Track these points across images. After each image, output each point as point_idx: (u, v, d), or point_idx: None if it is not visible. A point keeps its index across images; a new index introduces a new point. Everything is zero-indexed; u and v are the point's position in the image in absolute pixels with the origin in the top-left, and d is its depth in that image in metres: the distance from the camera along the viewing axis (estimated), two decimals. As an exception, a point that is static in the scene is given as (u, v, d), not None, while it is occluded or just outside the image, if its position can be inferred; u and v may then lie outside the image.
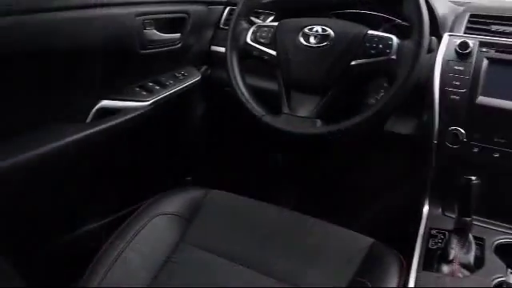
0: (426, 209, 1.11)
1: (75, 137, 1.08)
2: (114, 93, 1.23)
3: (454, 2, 1.29)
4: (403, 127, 1.17)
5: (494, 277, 0.89)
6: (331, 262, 0.95)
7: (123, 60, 1.21)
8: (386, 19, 1.27)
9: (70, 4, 0.98)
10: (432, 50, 1.00)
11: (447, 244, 0.95)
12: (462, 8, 1.20)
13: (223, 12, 1.48)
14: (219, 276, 0.92)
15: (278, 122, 1.01)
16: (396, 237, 1.02)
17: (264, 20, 1.38)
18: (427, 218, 1.08)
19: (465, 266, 0.92)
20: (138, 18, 1.18)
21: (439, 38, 1.08)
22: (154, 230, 1.02)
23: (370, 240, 0.99)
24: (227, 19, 1.44)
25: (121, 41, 1.16)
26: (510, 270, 0.92)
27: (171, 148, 1.54)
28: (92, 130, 1.12)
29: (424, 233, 1.03)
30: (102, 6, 1.06)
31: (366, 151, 1.46)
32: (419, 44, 0.92)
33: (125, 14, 1.15)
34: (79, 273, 0.90)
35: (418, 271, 0.92)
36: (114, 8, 1.12)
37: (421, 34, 0.92)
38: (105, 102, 1.21)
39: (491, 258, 0.94)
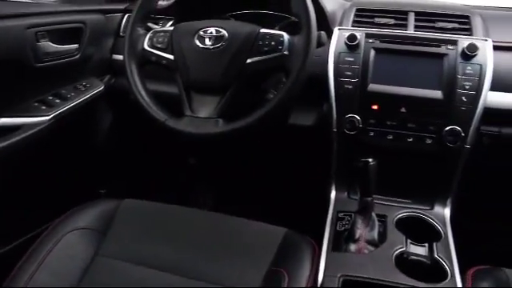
0: (333, 194, 1.17)
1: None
2: (11, 110, 1.18)
3: (342, -2, 1.37)
4: (306, 119, 1.22)
5: (395, 248, 0.97)
6: (247, 256, 0.96)
7: (17, 75, 1.16)
8: (282, 17, 1.32)
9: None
10: (322, 44, 1.05)
11: (353, 224, 1.01)
12: (349, 3, 1.27)
13: (122, 20, 1.46)
14: (138, 284, 0.92)
15: (181, 125, 1.02)
16: (309, 223, 1.07)
17: (163, 25, 1.39)
18: (334, 203, 1.14)
19: (370, 242, 0.99)
20: (29, 30, 1.13)
21: (330, 33, 1.15)
22: (66, 247, 0.98)
23: (284, 230, 1.02)
24: (126, 27, 1.42)
25: (12, 55, 1.11)
26: (409, 240, 1.00)
27: (81, 162, 1.49)
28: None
29: (332, 217, 1.09)
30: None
31: (274, 145, 1.50)
32: (308, 39, 0.97)
33: (14, 27, 1.10)
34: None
35: (327, 253, 0.97)
36: (2, 21, 1.07)
37: (309, 30, 0.97)
38: (2, 120, 1.15)
39: (393, 232, 1.02)
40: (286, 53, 0.98)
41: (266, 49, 1.00)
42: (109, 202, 1.11)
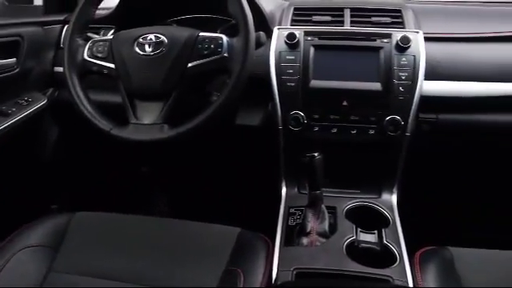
0: (283, 190, 1.20)
1: None
2: None
3: (282, -2, 1.40)
4: (253, 119, 1.24)
5: (346, 238, 0.99)
6: (203, 259, 0.97)
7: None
8: (223, 20, 1.34)
9: None
10: (262, 44, 1.07)
11: (304, 218, 1.03)
12: (287, 3, 1.30)
13: (61, 31, 1.43)
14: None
15: (126, 133, 1.01)
16: (263, 221, 1.09)
17: (105, 34, 1.37)
18: (285, 199, 1.17)
19: (321, 234, 1.01)
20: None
21: (269, 32, 1.17)
22: (17, 266, 0.96)
23: (237, 230, 1.04)
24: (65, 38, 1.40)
25: None
26: (359, 229, 1.04)
27: (29, 178, 1.46)
28: None
29: (284, 213, 1.11)
30: None
31: (224, 146, 1.51)
32: (247, 40, 0.98)
33: None
34: None
35: (280, 248, 0.99)
36: None
37: (247, 31, 0.98)
38: None
39: (343, 223, 1.05)
40: (225, 55, 1.00)
41: (205, 52, 1.00)
42: (60, 216, 1.09)
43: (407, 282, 0.90)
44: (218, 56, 1.00)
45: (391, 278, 0.90)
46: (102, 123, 1.04)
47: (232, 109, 1.15)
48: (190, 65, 1.01)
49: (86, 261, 0.97)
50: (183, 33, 1.04)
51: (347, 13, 1.22)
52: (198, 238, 1.04)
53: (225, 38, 1.01)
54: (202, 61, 1.01)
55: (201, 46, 1.01)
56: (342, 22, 1.20)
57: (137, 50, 1.03)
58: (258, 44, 1.05)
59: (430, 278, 0.91)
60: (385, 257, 0.97)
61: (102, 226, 1.07)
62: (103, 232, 1.06)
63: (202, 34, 1.03)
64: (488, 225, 1.48)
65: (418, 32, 1.13)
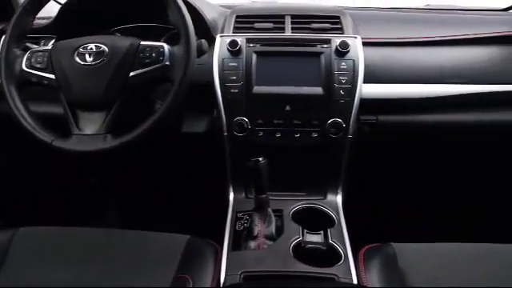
0: (231, 196, 1.21)
1: None
2: None
3: (224, 6, 1.41)
4: (198, 126, 1.24)
5: (292, 239, 1.01)
6: (152, 267, 0.97)
7: None
8: (166, 29, 1.34)
9: None
10: (204, 52, 1.08)
11: (251, 223, 1.05)
12: (229, 11, 1.31)
13: (-2, 42, 1.38)
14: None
15: (68, 144, 0.99)
16: (212, 226, 1.10)
17: (45, 44, 1.34)
18: (233, 204, 1.18)
19: (268, 237, 1.03)
20: None
21: (212, 40, 1.18)
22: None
23: (186, 237, 1.04)
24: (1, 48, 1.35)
25: None
26: (305, 230, 1.06)
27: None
28: None
29: (231, 218, 1.12)
30: None
31: (172, 154, 1.51)
32: (188, 48, 0.99)
33: None
34: None
35: (228, 253, 1.00)
36: None
37: (187, 39, 0.99)
38: None
39: (289, 225, 1.07)
40: (167, 63, 1.00)
41: (147, 61, 1.00)
42: (2, 232, 1.05)
43: (352, 279, 0.93)
44: (159, 64, 1.00)
45: (336, 276, 0.92)
46: (44, 135, 1.01)
47: (175, 116, 1.15)
48: (131, 74, 1.00)
49: (31, 277, 0.95)
50: (124, 42, 1.04)
51: (288, 20, 1.24)
52: (146, 247, 1.03)
53: (166, 47, 1.01)
54: (143, 70, 1.00)
55: (142, 54, 1.01)
56: (283, 29, 1.22)
57: (77, 59, 1.02)
58: (200, 52, 1.06)
59: (374, 274, 0.94)
60: (330, 256, 1.00)
61: (47, 241, 1.05)
62: (48, 247, 1.03)
63: (143, 42, 1.03)
64: (429, 220, 1.55)
65: (356, 37, 1.17)
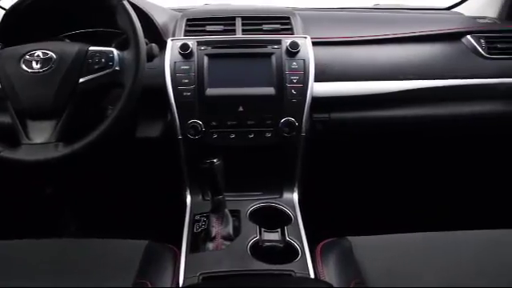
0: (188, 198, 1.21)
1: None
2: None
3: (176, 10, 1.41)
4: (153, 131, 1.23)
5: (249, 239, 1.02)
6: (111, 275, 0.95)
7: None
8: (117, 34, 1.32)
9: None
10: (154, 56, 1.07)
11: (209, 224, 1.05)
12: (180, 14, 1.32)
13: None
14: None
15: (18, 154, 0.97)
16: (171, 230, 1.09)
17: (-9, 52, 1.30)
18: (190, 206, 1.18)
19: (226, 237, 1.03)
20: None
21: (163, 44, 1.18)
22: None
23: (145, 242, 1.03)
24: None
25: None
26: (263, 229, 1.07)
27: None
28: None
29: (189, 220, 1.12)
30: None
31: (128, 159, 1.49)
32: (138, 52, 0.98)
33: None
34: None
35: (186, 256, 1.00)
36: None
37: (137, 44, 0.98)
38: None
39: (246, 224, 1.08)
40: (117, 68, 0.99)
41: (96, 66, 0.99)
42: None
43: (309, 274, 0.94)
44: (109, 70, 0.99)
45: (293, 271, 0.94)
46: None
47: (128, 121, 1.14)
48: (81, 80, 0.99)
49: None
50: (73, 48, 1.02)
51: (239, 22, 1.26)
52: (105, 255, 1.01)
53: (115, 52, 1.00)
54: (93, 75, 0.99)
55: (91, 60, 1.00)
56: (234, 31, 1.23)
57: (23, 67, 0.99)
58: (151, 56, 1.06)
59: (331, 267, 0.96)
60: (288, 253, 1.01)
61: (3, 255, 1.02)
62: (4, 260, 1.00)
63: (91, 48, 1.01)
64: (383, 212, 1.59)
65: (305, 37, 1.20)
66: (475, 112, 1.34)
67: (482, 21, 1.44)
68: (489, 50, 1.33)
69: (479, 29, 1.37)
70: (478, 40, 1.34)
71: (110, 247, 1.04)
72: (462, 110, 1.34)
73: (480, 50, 1.32)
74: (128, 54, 1.00)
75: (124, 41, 1.20)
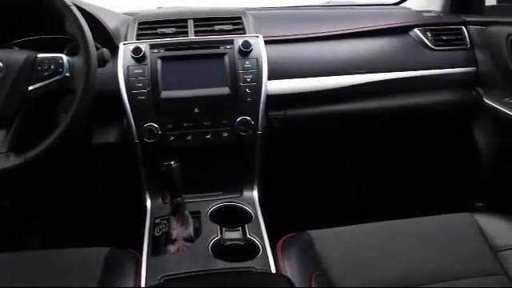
0: (148, 202, 1.20)
1: None
2: None
3: (127, 14, 1.40)
4: (109, 136, 1.22)
5: (210, 239, 1.03)
6: (73, 284, 0.94)
7: None
8: (68, 40, 1.30)
9: None
10: (106, 61, 1.06)
11: (169, 227, 1.05)
12: (131, 18, 1.31)
13: None
14: None
15: None
16: (133, 235, 1.09)
17: None
18: (151, 210, 1.17)
19: (187, 239, 1.04)
20: None
21: (115, 48, 1.17)
22: None
23: (106, 249, 1.02)
24: None
25: None
26: (224, 228, 1.07)
27: None
28: None
29: (150, 224, 1.12)
30: None
31: (85, 167, 1.47)
32: (88, 58, 0.97)
33: None
34: None
35: (148, 260, 0.99)
36: None
37: (86, 49, 0.97)
38: None
39: (207, 225, 1.08)
40: (67, 74, 0.98)
41: (46, 73, 0.98)
42: None
43: (270, 269, 0.95)
44: (59, 76, 0.98)
45: (254, 268, 0.95)
46: None
47: (82, 128, 1.13)
48: (30, 88, 0.97)
49: None
50: (20, 55, 1.00)
51: (191, 23, 1.26)
52: (66, 264, 1.00)
53: (65, 58, 0.99)
54: (43, 83, 0.98)
55: (40, 67, 0.98)
56: (186, 33, 1.23)
57: None
58: (102, 61, 1.05)
59: (292, 262, 0.97)
60: (250, 250, 1.02)
61: None
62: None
63: (40, 55, 1.00)
64: (342, 205, 1.62)
65: (258, 36, 1.21)
66: (425, 102, 1.39)
67: (427, 14, 1.49)
68: (435, 42, 1.38)
69: (425, 22, 1.42)
70: (424, 33, 1.39)
71: (71, 257, 1.02)
72: (413, 100, 1.38)
73: (427, 42, 1.38)
74: (78, 60, 0.99)
75: (74, 47, 1.19)
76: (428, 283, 0.90)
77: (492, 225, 1.05)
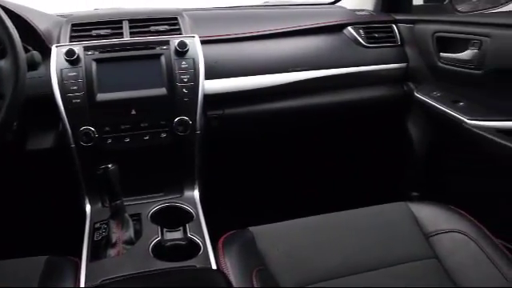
0: (87, 207, 1.18)
1: None
2: None
3: (60, 15, 1.36)
4: (45, 141, 1.19)
5: (151, 240, 1.03)
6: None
7: None
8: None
9: None
10: (36, 64, 1.03)
11: (109, 231, 1.04)
12: (64, 20, 1.27)
13: None
14: None
15: None
16: (73, 242, 1.06)
17: None
18: (90, 215, 1.15)
19: (127, 242, 1.03)
20: None
21: (47, 51, 1.14)
22: None
23: (44, 257, 0.99)
24: None
25: None
26: (165, 229, 1.07)
27: None
28: None
29: (89, 229, 1.10)
30: None
31: (20, 174, 1.43)
32: (16, 61, 0.94)
33: None
34: None
35: (87, 265, 0.98)
36: None
37: (14, 52, 0.94)
38: None
39: (148, 226, 1.08)
40: None
41: None
42: None
43: (211, 267, 0.96)
44: None
45: (195, 266, 0.96)
46: None
47: (11, 133, 1.09)
48: None
49: None
50: None
51: (126, 24, 1.25)
52: (2, 277, 0.97)
53: None
54: None
55: None
56: (121, 34, 1.22)
57: None
58: (33, 64, 1.02)
59: (233, 258, 0.98)
60: (192, 249, 1.03)
61: None
62: None
63: None
64: (282, 201, 1.65)
65: (194, 36, 1.21)
66: (360, 98, 1.44)
67: (360, 13, 1.55)
68: (368, 39, 1.44)
69: (357, 20, 1.48)
70: (357, 31, 1.44)
71: (8, 268, 0.99)
72: (348, 96, 1.43)
73: (360, 39, 1.43)
74: (6, 64, 0.95)
75: (1, 50, 1.15)
76: (365, 271, 0.94)
77: (424, 212, 1.10)
